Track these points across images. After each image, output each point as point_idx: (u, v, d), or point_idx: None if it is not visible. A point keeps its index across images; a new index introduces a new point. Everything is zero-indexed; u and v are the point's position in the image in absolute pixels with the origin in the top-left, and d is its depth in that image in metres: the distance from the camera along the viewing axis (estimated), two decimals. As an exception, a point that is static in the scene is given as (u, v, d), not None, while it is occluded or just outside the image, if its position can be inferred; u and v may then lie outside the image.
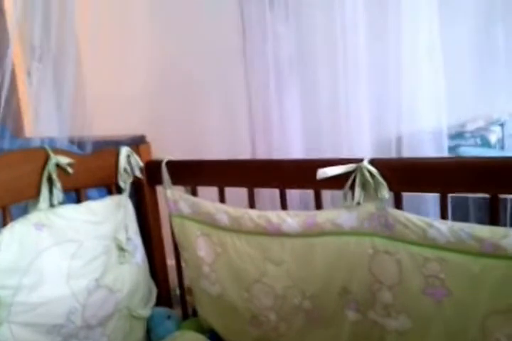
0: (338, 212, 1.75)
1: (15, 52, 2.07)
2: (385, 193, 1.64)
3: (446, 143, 1.97)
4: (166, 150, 2.23)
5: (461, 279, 1.54)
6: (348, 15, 2.00)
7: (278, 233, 1.87)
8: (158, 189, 2.29)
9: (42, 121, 2.15)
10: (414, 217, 1.60)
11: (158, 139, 2.33)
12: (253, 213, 1.93)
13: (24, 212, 1.83)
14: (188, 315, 2.40)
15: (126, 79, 2.67)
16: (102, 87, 2.47)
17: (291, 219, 1.84)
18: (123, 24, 2.64)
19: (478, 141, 2.20)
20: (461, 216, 1.89)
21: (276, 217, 1.87)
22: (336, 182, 1.71)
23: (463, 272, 1.53)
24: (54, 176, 1.83)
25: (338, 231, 1.76)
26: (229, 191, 2.10)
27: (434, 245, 1.57)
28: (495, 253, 1.46)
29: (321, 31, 2.13)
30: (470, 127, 2.25)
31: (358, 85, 2.04)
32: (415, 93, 1.97)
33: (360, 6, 1.98)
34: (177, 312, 2.39)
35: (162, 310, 2.29)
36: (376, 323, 1.75)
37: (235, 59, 2.40)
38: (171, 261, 2.37)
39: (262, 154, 2.38)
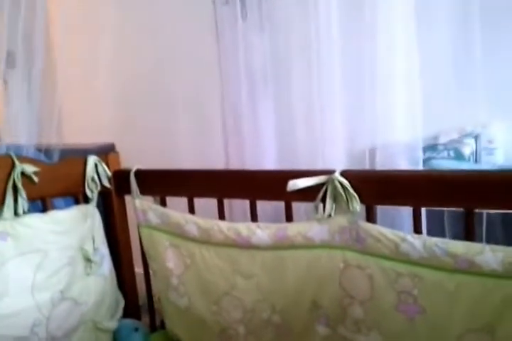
0: (309, 225, 1.69)
1: None
2: (357, 206, 1.58)
3: (421, 155, 1.91)
4: (137, 159, 2.15)
5: (435, 296, 1.49)
6: (322, 25, 1.95)
7: (248, 245, 1.81)
8: (127, 198, 2.21)
9: (12, 128, 2.12)
10: (386, 231, 1.55)
11: (130, 148, 2.27)
12: (223, 225, 1.87)
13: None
14: (157, 326, 2.32)
15: (97, 85, 2.61)
16: (73, 94, 2.43)
17: (261, 232, 1.78)
18: (95, 29, 2.58)
19: (452, 153, 2.14)
20: (437, 230, 1.83)
21: (246, 229, 1.81)
22: (308, 194, 1.66)
23: (437, 289, 1.48)
24: (19, 184, 1.77)
25: (309, 245, 1.70)
26: (200, 201, 2.02)
27: (407, 260, 1.51)
28: (470, 269, 1.41)
29: (294, 40, 2.09)
30: (443, 139, 2.19)
31: (332, 96, 1.99)
32: (390, 104, 1.91)
33: (334, 15, 1.93)
34: (145, 322, 2.32)
35: (129, 322, 2.21)
36: (346, 339, 1.70)
37: (210, 67, 2.35)
38: (138, 269, 2.29)
39: (235, 165, 2.33)
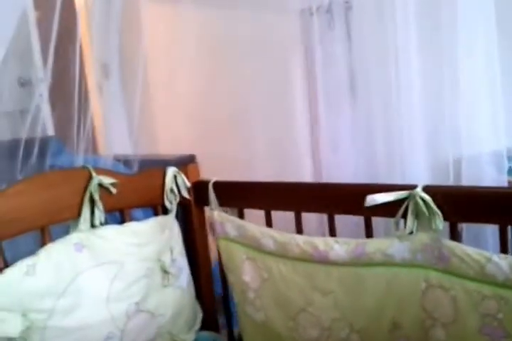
0: (390, 242, 1.59)
1: (87, 70, 2.10)
2: (440, 223, 1.47)
3: (506, 165, 1.79)
4: (218, 170, 2.11)
5: (521, 320, 1.36)
6: (400, 36, 1.86)
7: (325, 261, 1.72)
8: (206, 210, 2.15)
9: (112, 139, 2.15)
10: (471, 250, 1.43)
11: (211, 159, 2.22)
12: (300, 239, 1.78)
13: (67, 232, 1.73)
14: (235, 339, 2.25)
15: (178, 96, 2.58)
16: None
17: (339, 247, 1.68)
18: (178, 38, 2.57)
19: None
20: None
21: (324, 243, 1.71)
22: (388, 209, 1.55)
23: (523, 312, 1.35)
24: (96, 196, 1.74)
25: (388, 262, 1.60)
26: (277, 214, 1.95)
27: (492, 282, 1.39)
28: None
29: (377, 51, 1.99)
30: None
31: (412, 107, 1.89)
32: (472, 114, 1.81)
33: (413, 26, 1.84)
34: (224, 336, 2.25)
35: (207, 335, 2.16)
36: (427, 362, 1.58)
37: (294, 77, 2.29)
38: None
39: (312, 177, 2.24)
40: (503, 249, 1.46)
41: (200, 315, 2.16)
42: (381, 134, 2.03)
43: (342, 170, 2.17)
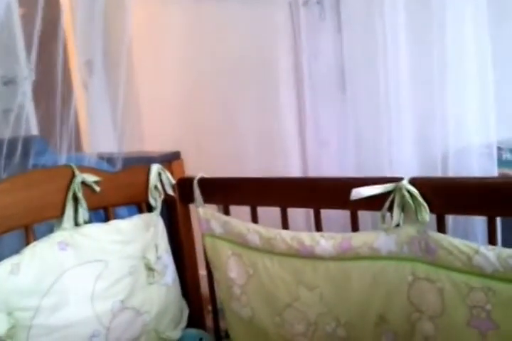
0: (376, 235, 1.56)
1: (72, 68, 2.08)
2: (426, 215, 1.44)
3: (495, 157, 1.77)
4: (203, 166, 2.07)
5: (510, 311, 1.33)
6: (389, 28, 1.83)
7: (311, 255, 1.69)
8: (192, 207, 2.12)
9: (97, 137, 2.13)
10: (458, 242, 1.40)
11: (197, 155, 2.19)
12: (286, 234, 1.75)
13: (51, 230, 1.70)
14: (222, 336, 2.21)
15: (163, 92, 2.55)
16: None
17: (325, 242, 1.65)
18: (163, 33, 2.54)
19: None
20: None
21: (310, 238, 1.68)
22: (374, 202, 1.52)
23: (511, 304, 1.32)
24: (79, 194, 1.71)
25: (375, 256, 1.57)
26: (263, 210, 1.92)
27: (480, 273, 1.36)
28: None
29: (367, 44, 1.96)
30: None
31: (401, 100, 1.86)
32: (462, 106, 1.77)
33: (402, 18, 1.80)
34: (211, 332, 2.21)
35: (193, 332, 2.12)
36: (415, 356, 1.55)
37: (284, 70, 2.27)
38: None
39: (300, 172, 2.23)
40: (491, 241, 1.44)
41: (186, 312, 2.13)
42: (369, 128, 1.99)
43: (330, 164, 2.14)
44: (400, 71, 1.84)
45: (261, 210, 1.93)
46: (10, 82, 2.04)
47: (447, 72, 1.77)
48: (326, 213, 1.80)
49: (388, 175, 1.85)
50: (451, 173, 1.81)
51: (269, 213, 1.89)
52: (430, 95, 1.82)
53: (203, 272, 2.18)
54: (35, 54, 1.81)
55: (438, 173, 1.83)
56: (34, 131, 2.18)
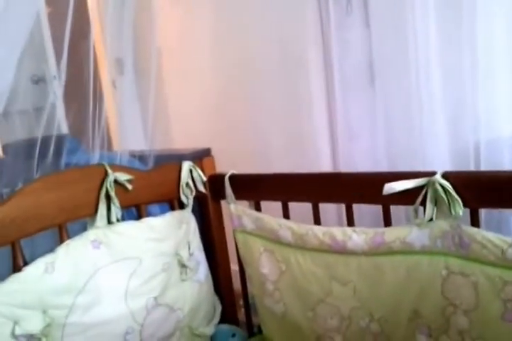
0: (409, 230, 1.54)
1: (101, 66, 2.09)
2: (460, 210, 1.42)
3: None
4: (234, 163, 2.06)
5: (545, 305, 1.31)
6: (419, 19, 1.80)
7: (343, 251, 1.68)
8: (223, 203, 2.12)
9: (127, 135, 2.12)
10: (492, 236, 1.38)
11: (228, 153, 2.19)
12: (318, 229, 1.74)
13: (85, 229, 1.71)
14: (254, 332, 2.20)
15: (193, 90, 2.55)
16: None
17: (357, 236, 1.64)
18: (191, 32, 2.53)
19: None
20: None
21: (342, 233, 1.67)
22: (407, 197, 1.51)
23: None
24: (112, 193, 1.70)
25: (407, 251, 1.56)
26: (295, 205, 1.91)
27: (514, 267, 1.34)
28: None
29: (397, 37, 1.94)
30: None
31: (432, 92, 1.85)
32: (492, 98, 1.75)
33: (432, 10, 1.78)
34: (244, 329, 2.21)
35: (226, 328, 2.12)
36: (450, 350, 1.53)
37: (312, 64, 2.25)
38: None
39: (340, 167, 2.23)
40: (525, 234, 1.41)
41: (219, 308, 2.13)
42: (400, 121, 1.98)
43: (361, 159, 2.13)
44: (430, 63, 1.82)
45: (293, 206, 1.92)
46: (40, 81, 2.06)
47: (478, 63, 1.75)
48: (358, 208, 1.78)
49: (421, 167, 1.83)
50: (483, 164, 1.79)
51: (301, 209, 1.88)
52: (461, 86, 1.80)
53: (234, 267, 2.18)
54: (65, 53, 1.81)
55: (470, 165, 1.81)
56: (64, 129, 2.19)
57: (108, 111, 2.07)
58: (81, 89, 1.90)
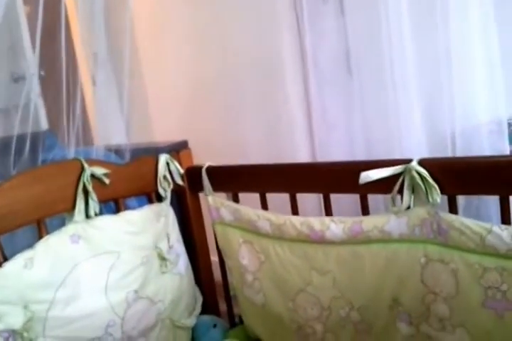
0: (386, 218, 1.50)
1: (80, 61, 2.04)
2: (437, 197, 1.38)
3: (506, 135, 1.71)
4: (211, 155, 2.03)
5: (526, 291, 1.28)
6: (392, 7, 1.76)
7: (321, 240, 1.64)
8: (201, 196, 2.07)
9: (106, 129, 2.11)
10: (470, 222, 1.34)
11: (205, 144, 2.14)
12: (295, 220, 1.69)
13: (64, 224, 1.68)
14: (236, 322, 2.17)
15: (167, 83, 2.50)
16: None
17: (335, 226, 1.59)
18: (164, 25, 2.48)
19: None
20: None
21: (320, 223, 1.63)
22: (384, 185, 1.46)
23: (528, 283, 1.27)
24: (89, 187, 1.67)
25: (386, 239, 1.51)
26: (274, 196, 1.86)
27: (493, 253, 1.31)
28: None
29: (367, 27, 1.90)
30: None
31: (407, 80, 1.80)
32: (469, 82, 1.71)
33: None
34: (225, 318, 2.18)
35: (208, 319, 2.08)
36: (430, 337, 1.49)
37: (287, 53, 2.20)
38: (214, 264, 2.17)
39: (310, 158, 2.18)
40: (504, 220, 1.37)
41: (200, 300, 2.09)
42: (377, 110, 1.93)
43: (339, 148, 2.07)
44: (405, 50, 1.77)
45: (271, 197, 1.88)
46: (20, 78, 2.02)
47: (452, 50, 1.71)
48: (337, 198, 1.74)
49: (398, 156, 1.78)
50: (461, 152, 1.76)
51: (280, 199, 1.84)
52: (437, 73, 1.76)
53: (214, 258, 2.14)
54: (41, 50, 1.77)
55: (448, 153, 1.77)
56: (44, 126, 2.14)
57: (89, 106, 2.03)
58: (59, 85, 1.86)
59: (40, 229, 1.60)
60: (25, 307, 1.44)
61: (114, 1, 1.97)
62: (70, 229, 1.63)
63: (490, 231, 1.29)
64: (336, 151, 2.07)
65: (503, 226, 1.29)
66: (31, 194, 1.56)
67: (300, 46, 2.12)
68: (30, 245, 1.53)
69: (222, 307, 2.20)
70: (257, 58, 2.29)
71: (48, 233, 1.60)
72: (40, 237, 1.58)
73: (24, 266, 1.46)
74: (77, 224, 1.65)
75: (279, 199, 1.83)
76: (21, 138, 1.83)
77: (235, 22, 2.32)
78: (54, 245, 1.57)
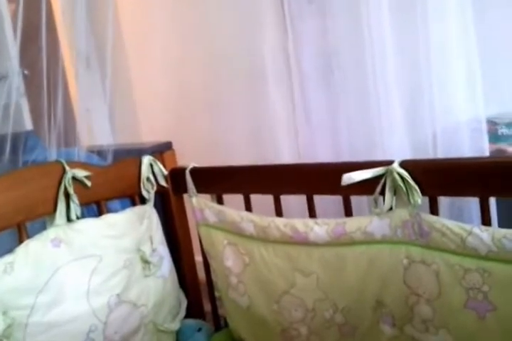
0: (369, 220, 1.52)
1: (65, 58, 2.00)
2: (418, 198, 1.40)
3: (485, 133, 1.73)
4: (195, 156, 2.03)
5: (507, 292, 1.29)
6: (373, 7, 1.78)
7: (305, 242, 1.65)
8: (186, 197, 2.08)
9: (89, 129, 2.11)
10: (451, 224, 1.36)
11: (189, 145, 2.15)
12: (279, 221, 1.71)
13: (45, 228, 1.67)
14: (221, 325, 2.18)
15: (152, 84, 2.51)
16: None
17: (318, 228, 1.61)
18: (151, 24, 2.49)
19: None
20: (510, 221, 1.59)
21: (303, 225, 1.64)
22: (366, 186, 1.48)
23: (508, 284, 1.29)
24: (70, 190, 1.67)
25: (369, 240, 1.53)
26: (258, 198, 1.88)
27: (474, 254, 1.32)
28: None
29: (348, 26, 1.91)
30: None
31: (388, 81, 1.82)
32: (449, 82, 1.73)
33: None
34: (210, 320, 2.18)
35: (192, 323, 2.08)
36: (413, 339, 1.51)
37: (266, 59, 2.21)
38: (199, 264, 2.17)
39: (293, 159, 2.19)
40: (485, 221, 1.40)
41: (184, 303, 2.10)
42: (359, 110, 1.95)
43: (322, 149, 2.08)
44: (386, 51, 1.79)
45: (257, 198, 1.89)
46: (3, 77, 2.00)
47: (432, 50, 1.73)
48: (321, 199, 1.76)
49: (381, 157, 1.81)
50: (442, 152, 1.78)
51: (266, 201, 1.85)
52: (417, 74, 1.78)
53: (199, 258, 2.15)
54: (25, 48, 1.77)
55: (429, 152, 1.80)
56: (29, 126, 2.14)
57: (75, 106, 2.04)
58: (43, 85, 1.86)
59: (21, 232, 1.59)
60: (5, 313, 1.44)
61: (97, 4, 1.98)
62: (51, 232, 1.63)
63: (470, 233, 1.31)
64: (319, 152, 2.08)
65: (484, 228, 1.31)
66: (11, 197, 1.55)
67: (284, 46, 2.13)
68: (10, 249, 1.52)
69: (207, 307, 2.21)
70: (242, 59, 2.29)
71: (28, 237, 1.59)
72: (21, 241, 1.57)
73: (4, 271, 1.45)
74: (59, 227, 1.65)
75: (263, 200, 1.85)
76: (2, 139, 1.83)
77: (219, 22, 2.32)
78: (35, 249, 1.56)
